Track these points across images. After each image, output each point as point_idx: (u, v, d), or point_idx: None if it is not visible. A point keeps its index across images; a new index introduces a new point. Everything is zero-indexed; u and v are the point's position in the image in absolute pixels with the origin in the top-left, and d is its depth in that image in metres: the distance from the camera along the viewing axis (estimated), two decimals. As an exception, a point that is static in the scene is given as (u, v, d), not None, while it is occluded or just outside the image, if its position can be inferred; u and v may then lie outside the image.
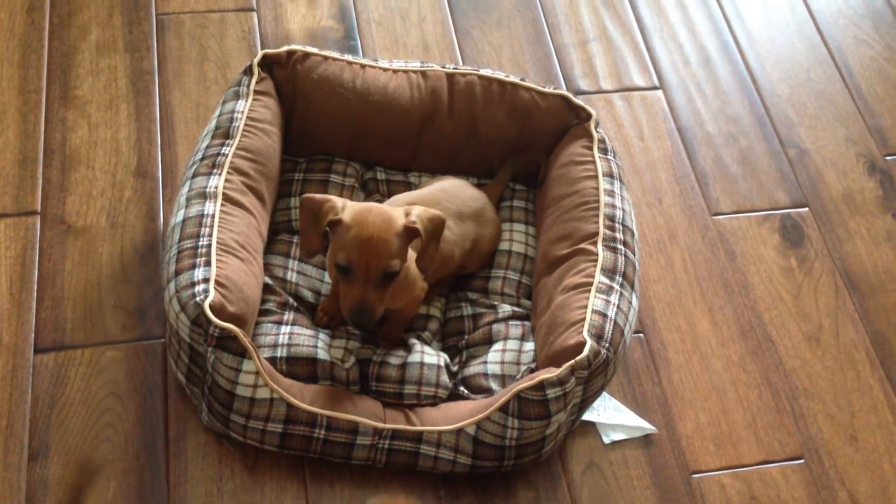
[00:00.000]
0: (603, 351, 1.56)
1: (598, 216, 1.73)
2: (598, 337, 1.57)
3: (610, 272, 1.66)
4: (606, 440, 1.70)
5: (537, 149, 1.90)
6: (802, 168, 2.12)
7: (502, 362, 1.67)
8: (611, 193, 1.77)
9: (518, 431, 1.54)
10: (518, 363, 1.67)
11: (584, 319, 1.58)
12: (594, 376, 1.57)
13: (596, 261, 1.67)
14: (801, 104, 2.23)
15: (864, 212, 2.06)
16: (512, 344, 1.70)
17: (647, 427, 1.72)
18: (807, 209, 2.06)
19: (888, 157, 2.16)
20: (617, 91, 2.20)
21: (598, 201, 1.75)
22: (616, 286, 1.65)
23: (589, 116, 1.86)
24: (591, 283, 1.64)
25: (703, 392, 1.78)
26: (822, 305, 1.91)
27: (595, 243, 1.70)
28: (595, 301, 1.61)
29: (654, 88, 2.22)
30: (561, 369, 1.52)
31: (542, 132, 1.89)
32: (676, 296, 1.89)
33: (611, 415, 1.72)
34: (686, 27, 2.35)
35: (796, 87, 2.26)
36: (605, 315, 1.60)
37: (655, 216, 2.00)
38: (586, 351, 1.53)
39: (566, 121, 1.88)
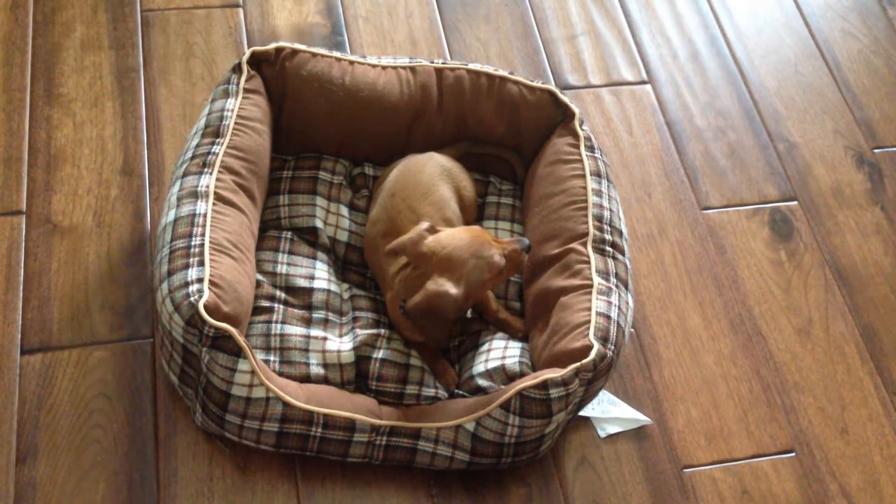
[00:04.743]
0: (609, 354, 1.56)
1: (586, 216, 1.72)
2: (604, 340, 1.56)
3: (604, 273, 1.66)
4: (602, 434, 1.70)
5: (523, 145, 1.89)
6: (791, 161, 2.12)
7: (487, 360, 1.66)
8: (598, 193, 1.76)
9: (518, 429, 1.53)
10: (503, 358, 1.66)
11: (588, 322, 1.58)
12: (597, 378, 1.57)
13: (588, 262, 1.67)
14: (789, 97, 2.23)
15: (852, 205, 2.07)
16: (497, 343, 1.69)
17: (642, 419, 1.71)
18: (796, 203, 2.06)
19: (876, 150, 2.17)
20: (605, 85, 2.20)
21: (586, 201, 1.75)
22: (613, 287, 1.65)
23: (573, 115, 1.85)
24: (590, 286, 1.63)
25: (694, 386, 1.78)
26: (812, 299, 1.92)
27: (585, 244, 1.69)
28: (598, 303, 1.61)
29: (643, 83, 2.22)
30: (566, 370, 1.52)
31: (530, 127, 1.88)
32: (667, 290, 1.89)
33: (605, 408, 1.71)
34: (674, 21, 2.34)
35: (784, 81, 2.26)
36: (608, 317, 1.59)
37: (645, 211, 2.00)
38: (593, 354, 1.53)
39: (553, 116, 1.88)
